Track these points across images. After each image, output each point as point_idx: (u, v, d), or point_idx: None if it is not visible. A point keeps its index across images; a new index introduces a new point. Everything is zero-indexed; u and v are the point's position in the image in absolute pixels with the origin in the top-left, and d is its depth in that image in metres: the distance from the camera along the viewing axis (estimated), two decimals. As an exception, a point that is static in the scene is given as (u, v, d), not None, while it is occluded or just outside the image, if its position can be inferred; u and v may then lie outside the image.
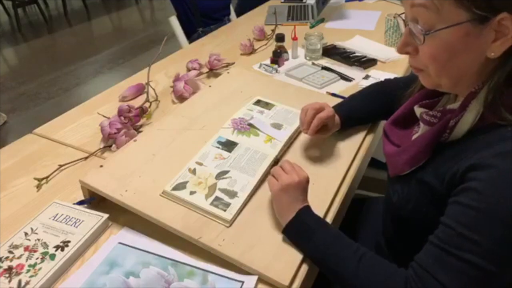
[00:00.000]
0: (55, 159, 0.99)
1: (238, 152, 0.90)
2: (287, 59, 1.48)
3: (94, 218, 0.78)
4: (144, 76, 1.25)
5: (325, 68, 1.39)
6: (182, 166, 0.86)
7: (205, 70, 1.40)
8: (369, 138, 1.03)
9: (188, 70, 1.39)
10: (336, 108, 0.96)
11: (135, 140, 0.95)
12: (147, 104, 1.16)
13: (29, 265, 0.70)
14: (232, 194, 0.80)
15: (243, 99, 1.11)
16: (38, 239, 0.74)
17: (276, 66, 1.42)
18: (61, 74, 3.57)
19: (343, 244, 0.67)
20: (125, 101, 1.24)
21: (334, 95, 1.22)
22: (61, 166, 0.96)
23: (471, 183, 0.55)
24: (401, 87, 0.83)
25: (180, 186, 0.81)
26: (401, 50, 0.64)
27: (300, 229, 0.70)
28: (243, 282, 0.67)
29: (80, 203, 0.84)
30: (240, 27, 1.88)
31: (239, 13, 2.32)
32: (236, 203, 0.78)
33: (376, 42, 1.59)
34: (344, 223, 0.90)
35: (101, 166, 0.85)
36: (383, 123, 0.89)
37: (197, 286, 0.67)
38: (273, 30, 1.73)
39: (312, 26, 1.83)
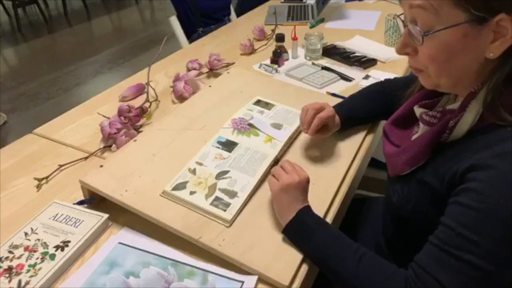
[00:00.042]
0: (55, 159, 0.99)
1: (238, 152, 0.90)
2: (287, 59, 1.48)
3: (94, 218, 0.78)
4: (144, 76, 1.25)
5: (325, 68, 1.39)
6: (182, 166, 0.86)
7: (205, 70, 1.40)
8: (369, 138, 1.03)
9: (188, 70, 1.39)
10: (336, 108, 0.96)
11: (135, 140, 0.95)
12: (147, 104, 1.16)
13: (29, 265, 0.70)
14: (232, 194, 0.80)
15: (243, 99, 1.11)
16: (38, 239, 0.74)
17: (276, 66, 1.42)
18: (61, 74, 3.57)
19: (343, 244, 0.67)
20: (125, 101, 1.24)
21: (334, 95, 1.22)
22: (61, 166, 0.96)
23: (471, 184, 0.55)
24: (401, 87, 0.83)
25: (180, 186, 0.81)
26: (400, 51, 0.64)
27: (300, 229, 0.70)
28: (243, 282, 0.67)
29: (80, 203, 0.84)
30: (240, 27, 1.88)
31: (239, 13, 2.32)
32: (236, 203, 0.78)
33: (376, 42, 1.59)
34: (344, 223, 0.90)
35: (101, 166, 0.85)
36: (383, 123, 0.89)
37: (197, 286, 0.67)
38: (273, 30, 1.73)
39: (312, 26, 1.83)
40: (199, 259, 0.72)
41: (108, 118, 1.06)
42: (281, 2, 2.23)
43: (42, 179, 0.92)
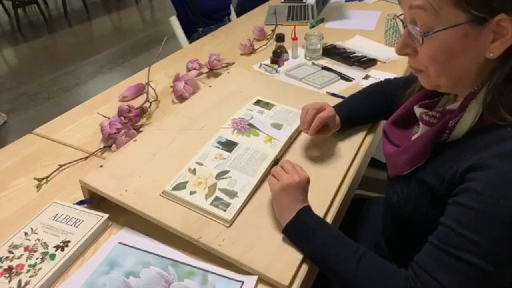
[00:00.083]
0: (55, 159, 0.99)
1: (238, 152, 0.90)
2: (287, 59, 1.48)
3: (94, 218, 0.78)
4: (144, 76, 1.25)
5: (325, 68, 1.39)
6: (182, 166, 0.86)
7: (205, 70, 1.40)
8: (369, 138, 1.03)
9: (188, 70, 1.39)
10: (336, 108, 0.96)
11: (135, 140, 0.95)
12: (147, 104, 1.16)
13: (29, 265, 0.70)
14: (232, 194, 0.80)
15: (243, 99, 1.11)
16: (38, 239, 0.74)
17: (276, 66, 1.42)
18: (61, 74, 3.57)
19: (343, 244, 0.67)
20: (125, 101, 1.24)
21: (334, 95, 1.22)
22: (61, 166, 0.96)
23: (471, 184, 0.55)
24: (401, 87, 0.83)
25: (180, 186, 0.81)
26: (400, 52, 0.64)
27: (300, 229, 0.70)
28: (243, 282, 0.67)
29: (80, 203, 0.84)
30: (240, 27, 1.88)
31: (239, 13, 2.32)
32: (236, 203, 0.78)
33: (376, 42, 1.59)
34: (344, 223, 0.90)
35: (101, 166, 0.85)
36: (383, 123, 0.89)
37: (197, 286, 0.67)
38: (273, 30, 1.73)
39: (312, 26, 1.83)
40: (199, 259, 0.72)
41: (108, 118, 1.06)
42: (281, 2, 2.23)
43: (42, 179, 0.92)
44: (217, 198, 0.79)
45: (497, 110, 0.57)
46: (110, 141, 1.02)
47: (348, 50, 1.51)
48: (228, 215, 0.75)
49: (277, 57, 1.44)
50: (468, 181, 0.56)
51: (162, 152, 0.91)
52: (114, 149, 1.00)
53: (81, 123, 1.13)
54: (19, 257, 0.71)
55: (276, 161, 0.90)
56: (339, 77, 1.33)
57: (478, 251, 0.53)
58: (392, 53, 1.46)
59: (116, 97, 1.25)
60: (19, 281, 0.67)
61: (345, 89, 1.26)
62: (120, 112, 1.08)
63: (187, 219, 0.75)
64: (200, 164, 0.87)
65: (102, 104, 1.22)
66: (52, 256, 0.71)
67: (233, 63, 1.44)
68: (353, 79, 1.32)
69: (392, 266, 0.63)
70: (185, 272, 0.70)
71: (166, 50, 1.39)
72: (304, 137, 0.99)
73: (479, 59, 0.58)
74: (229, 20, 2.37)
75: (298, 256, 0.70)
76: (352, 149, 0.97)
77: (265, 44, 1.63)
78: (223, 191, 0.80)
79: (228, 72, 1.27)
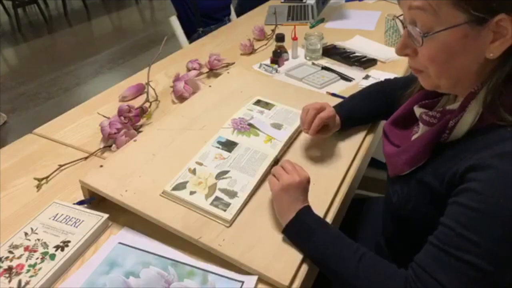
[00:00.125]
0: (55, 159, 0.99)
1: (238, 152, 0.90)
2: (287, 59, 1.48)
3: (94, 218, 0.78)
4: (144, 76, 1.25)
5: (325, 68, 1.39)
6: (182, 166, 0.86)
7: (205, 70, 1.40)
8: (369, 138, 1.03)
9: (188, 70, 1.39)
10: (336, 108, 0.96)
11: (135, 140, 0.95)
12: (147, 104, 1.16)
13: (29, 265, 0.70)
14: (232, 194, 0.80)
15: (243, 99, 1.11)
16: (38, 239, 0.74)
17: (276, 66, 1.42)
18: (61, 74, 3.57)
19: (343, 244, 0.67)
20: (125, 101, 1.24)
21: (334, 95, 1.22)
22: (61, 166, 0.96)
23: (471, 184, 0.55)
24: (401, 87, 0.83)
25: (180, 186, 0.81)
26: (400, 52, 0.64)
27: (300, 229, 0.70)
28: (243, 282, 0.67)
29: (80, 203, 0.84)
30: (240, 27, 1.88)
31: (239, 13, 2.32)
32: (236, 203, 0.78)
33: (376, 42, 1.59)
34: (344, 223, 0.90)
35: (101, 166, 0.85)
36: (383, 123, 0.89)
37: (197, 286, 0.67)
38: (273, 30, 1.73)
39: (312, 26, 1.83)
40: (199, 259, 0.72)
41: (108, 118, 1.06)
42: (281, 2, 2.23)
43: (42, 179, 0.92)
44: (217, 198, 0.79)
45: (497, 110, 0.57)
46: (110, 141, 1.02)
47: (348, 50, 1.51)
48: (228, 215, 0.75)
49: (277, 57, 1.44)
50: (468, 181, 0.56)
51: (162, 152, 0.91)
52: (114, 149, 1.00)
53: (81, 123, 1.13)
54: (19, 257, 0.71)
55: (276, 161, 0.90)
56: (339, 77, 1.33)
57: (478, 251, 0.53)
58: (392, 53, 1.46)
59: (116, 97, 1.25)
60: (19, 281, 0.67)
61: (345, 89, 1.26)
62: (120, 112, 1.08)
63: (187, 219, 0.75)
64: (200, 164, 0.87)
65: (102, 104, 1.22)
66: (52, 256, 0.71)
67: (233, 63, 1.44)
68: (353, 79, 1.32)
69: (392, 266, 0.63)
70: (185, 272, 0.70)
71: (166, 50, 1.39)
72: (304, 137, 0.99)
73: (479, 59, 0.58)
74: (229, 20, 2.37)
75: (298, 256, 0.70)
76: (352, 149, 0.97)
77: (265, 44, 1.63)
78: (223, 191, 0.80)
79: (228, 72, 1.27)
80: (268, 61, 1.46)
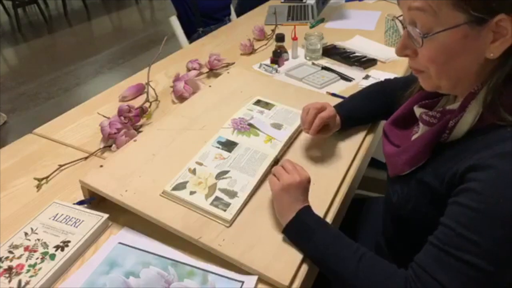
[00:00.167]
0: (55, 159, 0.99)
1: (238, 152, 0.90)
2: (287, 59, 1.48)
3: (94, 218, 0.78)
4: (144, 76, 1.25)
5: (325, 68, 1.39)
6: (182, 166, 0.86)
7: (205, 70, 1.40)
8: (369, 138, 1.03)
9: (188, 70, 1.39)
10: (336, 108, 0.96)
11: (135, 140, 0.95)
12: (147, 104, 1.16)
13: (29, 265, 0.70)
14: (232, 194, 0.80)
15: (243, 99, 1.11)
16: (38, 239, 0.74)
17: (276, 66, 1.42)
18: (61, 74, 3.57)
19: (343, 244, 0.67)
20: (125, 101, 1.24)
21: (334, 95, 1.22)
22: (61, 166, 0.96)
23: (471, 184, 0.55)
24: (401, 87, 0.83)
25: (180, 186, 0.81)
26: (400, 53, 0.64)
27: (300, 229, 0.70)
28: (243, 282, 0.67)
29: (80, 203, 0.84)
30: (240, 27, 1.88)
31: (239, 13, 2.32)
32: (236, 203, 0.78)
33: (376, 42, 1.59)
34: (344, 223, 0.90)
35: (101, 166, 0.85)
36: (383, 123, 0.89)
37: (197, 286, 0.67)
38: (273, 30, 1.73)
39: (312, 26, 1.83)
40: (199, 259, 0.72)
41: (108, 118, 1.06)
42: (281, 2, 2.23)
43: (42, 179, 0.92)
44: (217, 198, 0.79)
45: (497, 110, 0.57)
46: (110, 141, 1.02)
47: (348, 50, 1.51)
48: (228, 215, 0.75)
49: (277, 57, 1.44)
50: (468, 181, 0.56)
51: (162, 152, 0.91)
52: (114, 149, 1.00)
53: (81, 123, 1.13)
54: (19, 257, 0.71)
55: (276, 161, 0.90)
56: (339, 77, 1.33)
57: (478, 251, 0.53)
58: (392, 53, 1.46)
59: (116, 97, 1.25)
60: (19, 281, 0.67)
61: (345, 89, 1.26)
62: (120, 112, 1.08)
63: (187, 219, 0.75)
64: (200, 164, 0.87)
65: (102, 104, 1.22)
66: (52, 256, 0.71)
67: (233, 63, 1.44)
68: (353, 79, 1.32)
69: (392, 266, 0.63)
70: (185, 272, 0.70)
71: (166, 50, 1.39)
72: (304, 137, 0.99)
73: (479, 60, 0.58)
74: (229, 20, 2.37)
75: (298, 256, 0.70)
76: (352, 149, 0.96)
77: (265, 44, 1.63)
78: (223, 191, 0.80)
79: (228, 72, 1.27)
80: (268, 61, 1.46)
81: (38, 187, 0.91)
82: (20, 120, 2.89)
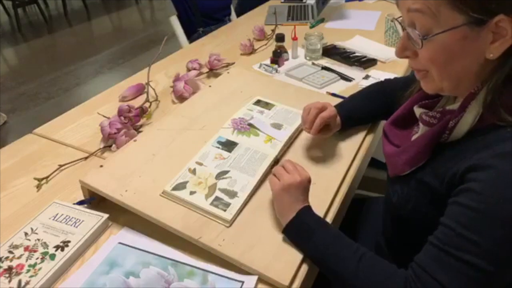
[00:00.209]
0: (55, 159, 0.99)
1: (238, 152, 0.90)
2: (287, 59, 1.48)
3: (94, 218, 0.78)
4: (144, 76, 1.25)
5: (325, 68, 1.39)
6: (182, 166, 0.86)
7: (205, 70, 1.40)
8: (369, 138, 1.03)
9: (188, 70, 1.39)
10: (336, 108, 0.96)
11: (135, 140, 0.95)
12: (147, 104, 1.16)
13: (29, 265, 0.70)
14: (232, 194, 0.80)
15: (243, 99, 1.11)
16: (38, 239, 0.74)
17: (276, 66, 1.42)
18: (61, 74, 3.57)
19: (343, 244, 0.67)
20: (125, 101, 1.24)
21: (334, 95, 1.22)
22: (61, 166, 0.96)
23: (471, 184, 0.55)
24: (401, 87, 0.83)
25: (180, 186, 0.81)
26: (400, 54, 0.64)
27: (300, 229, 0.70)
28: (243, 282, 0.67)
29: (80, 203, 0.84)
30: (240, 27, 1.88)
31: (239, 13, 2.32)
32: (236, 203, 0.78)
33: (376, 42, 1.59)
34: (344, 223, 0.90)
35: (101, 166, 0.85)
36: (383, 123, 0.89)
37: (197, 286, 0.67)
38: (273, 30, 1.73)
39: (312, 26, 1.83)
40: (199, 259, 0.72)
41: (108, 118, 1.06)
42: (281, 2, 2.23)
43: (42, 179, 0.92)
44: (217, 198, 0.79)
45: (497, 111, 0.57)
46: (110, 141, 1.02)
47: (348, 50, 1.51)
48: (228, 215, 0.75)
49: (277, 57, 1.44)
50: (468, 181, 0.56)
51: (162, 152, 0.91)
52: (114, 149, 1.00)
53: (81, 123, 1.13)
54: (19, 257, 0.71)
55: (276, 161, 0.90)
56: (339, 77, 1.33)
57: (478, 251, 0.53)
58: (392, 53, 1.46)
59: (116, 97, 1.25)
60: (19, 281, 0.67)
61: (345, 89, 1.26)
62: (120, 112, 1.08)
63: (187, 219, 0.75)
64: (200, 164, 0.87)
65: (102, 104, 1.22)
66: (52, 256, 0.71)
67: (233, 63, 1.44)
68: (353, 79, 1.32)
69: (392, 266, 0.63)
70: (185, 272, 0.70)
71: (166, 50, 1.39)
72: (304, 137, 0.99)
73: (479, 60, 0.58)
74: (230, 20, 2.37)
75: (298, 256, 0.70)
76: (352, 149, 0.96)
77: (265, 44, 1.63)
78: (223, 191, 0.80)
79: (228, 72, 1.27)
80: (268, 61, 1.46)
81: (38, 187, 0.91)
82: (20, 120, 2.89)
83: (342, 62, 1.44)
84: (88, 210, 0.80)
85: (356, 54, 1.48)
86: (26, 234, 0.76)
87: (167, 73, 1.40)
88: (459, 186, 0.57)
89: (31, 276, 0.68)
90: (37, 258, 0.71)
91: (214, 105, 1.09)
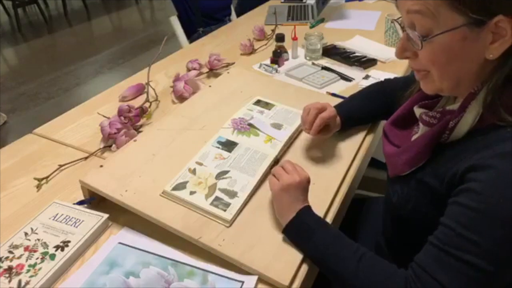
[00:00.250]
0: (55, 159, 0.99)
1: (238, 152, 0.90)
2: (287, 59, 1.48)
3: (94, 218, 0.78)
4: (144, 76, 1.25)
5: (325, 68, 1.39)
6: (182, 166, 0.86)
7: (205, 70, 1.40)
8: (369, 138, 1.03)
9: (188, 70, 1.39)
10: (336, 108, 0.96)
11: (135, 140, 0.95)
12: (147, 104, 1.16)
13: (29, 265, 0.70)
14: (232, 194, 0.80)
15: (243, 99, 1.11)
16: (38, 239, 0.74)
17: (276, 66, 1.42)
18: (61, 74, 3.57)
19: (343, 244, 0.67)
20: (125, 101, 1.24)
21: (334, 95, 1.22)
22: (61, 166, 0.96)
23: (471, 184, 0.55)
24: (401, 87, 0.83)
25: (180, 186, 0.81)
26: (400, 55, 0.64)
27: (300, 229, 0.70)
28: (243, 282, 0.67)
29: (80, 203, 0.84)
30: (240, 27, 1.88)
31: (239, 13, 2.32)
32: (236, 203, 0.78)
33: (376, 42, 1.59)
34: (344, 223, 0.90)
35: (101, 166, 0.85)
36: (383, 123, 0.89)
37: (197, 286, 0.67)
38: (273, 30, 1.73)
39: (312, 26, 1.83)
40: (199, 259, 0.72)
41: (108, 118, 1.07)
42: (281, 2, 2.23)
43: (42, 179, 0.92)
44: (217, 198, 0.79)
45: (497, 111, 0.57)
46: (110, 141, 1.02)
47: (348, 50, 1.51)
48: (228, 215, 0.75)
49: (277, 57, 1.44)
50: (468, 181, 0.56)
51: (162, 152, 0.91)
52: (114, 149, 1.00)
53: (81, 123, 1.13)
54: (19, 257, 0.71)
55: (276, 161, 0.90)
56: (339, 77, 1.33)
57: (478, 251, 0.53)
58: (392, 53, 1.46)
59: (116, 97, 1.25)
60: (19, 281, 0.67)
61: (345, 89, 1.26)
62: (120, 112, 1.08)
63: (187, 219, 0.75)
64: (200, 164, 0.87)
65: (102, 104, 1.22)
66: (52, 256, 0.71)
67: (233, 63, 1.44)
68: (353, 79, 1.32)
69: (392, 266, 0.63)
70: (185, 272, 0.70)
71: (166, 50, 1.39)
72: (304, 137, 0.99)
73: (479, 60, 0.58)
74: (230, 20, 2.37)
75: (298, 256, 0.70)
76: (352, 149, 0.96)
77: (265, 44, 1.63)
78: (223, 191, 0.80)
79: (228, 72, 1.27)
80: (268, 61, 1.46)
81: (38, 187, 0.91)
82: (20, 120, 2.89)
83: (342, 62, 1.44)
84: (88, 210, 0.80)
85: (356, 54, 1.48)
86: (26, 234, 0.76)
87: (167, 73, 1.40)
88: (459, 186, 0.57)
89: (31, 276, 0.68)
90: (37, 258, 0.71)
91: (214, 105, 1.09)
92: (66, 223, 0.77)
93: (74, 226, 0.77)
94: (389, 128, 0.78)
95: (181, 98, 1.22)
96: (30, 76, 3.54)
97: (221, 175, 0.84)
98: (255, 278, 0.67)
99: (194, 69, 1.36)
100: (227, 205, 0.77)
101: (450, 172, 0.60)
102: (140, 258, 0.72)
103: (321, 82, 1.29)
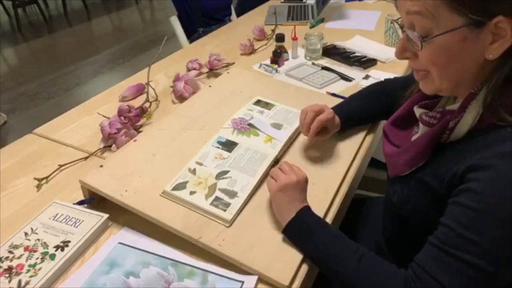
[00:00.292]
0: (55, 159, 0.99)
1: (238, 152, 0.90)
2: (287, 59, 1.48)
3: (94, 218, 0.78)
4: (144, 76, 1.25)
5: (325, 68, 1.39)
6: (182, 166, 0.86)
7: (205, 70, 1.40)
8: (369, 138, 1.03)
9: (188, 70, 1.39)
10: (336, 109, 0.96)
11: (135, 140, 0.95)
12: (147, 104, 1.16)
13: (29, 265, 0.70)
14: (232, 194, 0.80)
15: (243, 99, 1.11)
16: (38, 239, 0.74)
17: (276, 66, 1.42)
18: (61, 74, 3.57)
19: (343, 244, 0.67)
20: (125, 101, 1.24)
21: (334, 95, 1.22)
22: (61, 166, 0.96)
23: (471, 184, 0.55)
24: (401, 87, 0.83)
25: (180, 186, 0.81)
26: (400, 56, 0.64)
27: (300, 229, 0.70)
28: (243, 282, 0.67)
29: (80, 203, 0.84)
30: (240, 27, 1.88)
31: (239, 13, 2.32)
32: (236, 203, 0.78)
33: (376, 42, 1.59)
34: (344, 223, 0.90)
35: (101, 166, 0.85)
36: (383, 123, 0.89)
37: (197, 286, 0.67)
38: (273, 30, 1.73)
39: (312, 26, 1.83)
40: (199, 259, 0.72)
41: (108, 118, 1.07)
42: (281, 2, 2.23)
43: (42, 179, 0.92)
44: (217, 198, 0.79)
45: (497, 111, 0.57)
46: (110, 141, 1.02)
47: (348, 50, 1.51)
48: (228, 215, 0.75)
49: (277, 57, 1.44)
50: (468, 181, 0.56)
51: (162, 152, 0.91)
52: (114, 149, 1.00)
53: (81, 123, 1.13)
54: (19, 257, 0.71)
55: (276, 161, 0.90)
56: (339, 77, 1.33)
57: (478, 251, 0.53)
58: (392, 53, 1.46)
59: (116, 97, 1.25)
60: (19, 281, 0.67)
61: (345, 89, 1.26)
62: (120, 112, 1.08)
63: (187, 219, 0.75)
64: (200, 164, 0.87)
65: (102, 104, 1.22)
66: (52, 256, 0.71)
67: (233, 63, 1.44)
68: (353, 79, 1.32)
69: (392, 266, 0.63)
70: (185, 272, 0.70)
71: (166, 50, 1.39)
72: (304, 137, 0.99)
73: (479, 61, 0.58)
74: (230, 20, 2.37)
75: (298, 256, 0.70)
76: (352, 149, 0.96)
77: (265, 44, 1.63)
78: (223, 191, 0.80)
79: (228, 72, 1.27)
80: (268, 61, 1.46)
81: (38, 187, 0.91)
82: (20, 120, 2.89)
83: (342, 62, 1.44)
84: (88, 210, 0.80)
85: (356, 54, 1.48)
86: (26, 234, 0.76)
87: (167, 73, 1.40)
88: (459, 186, 0.57)
89: (31, 276, 0.68)
90: (37, 258, 0.71)
91: (214, 105, 1.09)
92: (66, 223, 0.77)
93: (74, 226, 0.77)
94: (389, 128, 0.78)
95: (181, 98, 1.22)
96: (30, 76, 3.54)
97: (221, 175, 0.84)
98: (255, 278, 0.67)
99: (194, 69, 1.36)
100: (227, 205, 0.77)
101: (450, 172, 0.60)
102: (140, 258, 0.72)
103: (321, 82, 1.29)
